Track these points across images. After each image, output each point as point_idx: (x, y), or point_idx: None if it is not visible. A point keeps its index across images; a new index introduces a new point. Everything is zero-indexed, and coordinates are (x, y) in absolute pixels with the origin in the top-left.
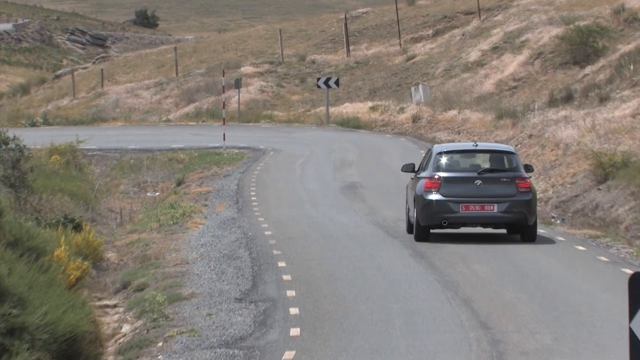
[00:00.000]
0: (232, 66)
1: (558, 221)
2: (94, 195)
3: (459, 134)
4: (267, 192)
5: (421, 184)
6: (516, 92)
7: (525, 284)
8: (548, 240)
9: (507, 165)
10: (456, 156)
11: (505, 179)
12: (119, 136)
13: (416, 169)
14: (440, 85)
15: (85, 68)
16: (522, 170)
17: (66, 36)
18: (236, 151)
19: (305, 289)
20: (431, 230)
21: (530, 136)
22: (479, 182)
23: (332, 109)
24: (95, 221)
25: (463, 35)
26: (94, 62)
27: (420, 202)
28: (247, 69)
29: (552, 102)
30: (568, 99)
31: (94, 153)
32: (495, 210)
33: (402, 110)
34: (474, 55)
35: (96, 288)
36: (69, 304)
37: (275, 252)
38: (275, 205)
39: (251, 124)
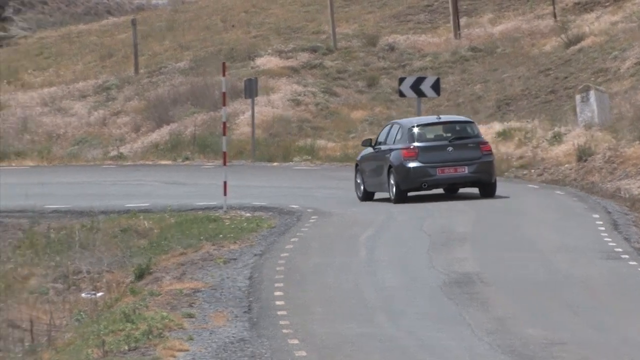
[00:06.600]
0: (241, 56)
1: None
2: None
3: None
4: (306, 292)
5: (398, 154)
6: None
7: None
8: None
9: (470, 133)
10: (426, 128)
11: (471, 144)
12: (28, 187)
13: (373, 144)
14: (629, 91)
15: None
16: (482, 136)
17: None
18: (247, 215)
19: None
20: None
21: None
22: (450, 148)
23: None
24: None
25: None
26: None
27: (401, 169)
28: (268, 60)
29: None
30: None
31: None
32: (466, 172)
33: (558, 138)
34: None
35: None
36: None
37: None
38: (320, 316)
39: (276, 163)
